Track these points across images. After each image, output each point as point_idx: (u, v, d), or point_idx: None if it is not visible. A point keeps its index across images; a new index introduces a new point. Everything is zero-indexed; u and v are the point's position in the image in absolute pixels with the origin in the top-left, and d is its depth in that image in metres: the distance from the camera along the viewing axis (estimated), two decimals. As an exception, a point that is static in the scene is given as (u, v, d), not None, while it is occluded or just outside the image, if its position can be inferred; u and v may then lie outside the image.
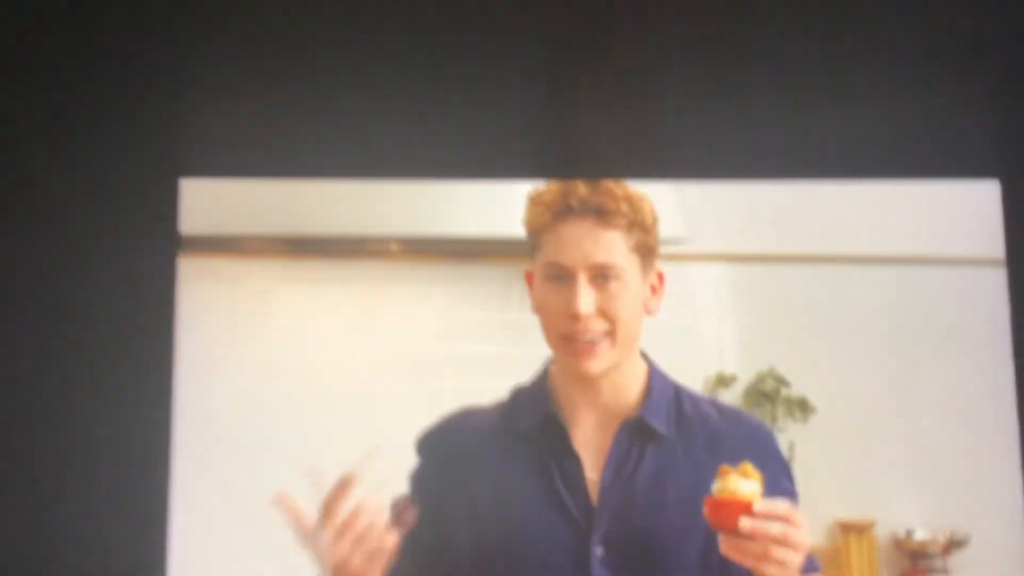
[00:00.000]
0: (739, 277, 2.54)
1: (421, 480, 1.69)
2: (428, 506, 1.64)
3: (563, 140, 1.86)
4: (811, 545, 1.64)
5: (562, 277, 1.62)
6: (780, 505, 1.51)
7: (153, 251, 1.87)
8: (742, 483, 1.52)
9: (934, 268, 2.47)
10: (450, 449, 1.68)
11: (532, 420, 1.66)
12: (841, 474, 2.46)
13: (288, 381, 2.29)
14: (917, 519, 2.50)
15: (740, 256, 2.54)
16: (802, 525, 1.51)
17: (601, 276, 1.60)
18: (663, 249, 1.69)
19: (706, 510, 1.53)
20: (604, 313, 1.60)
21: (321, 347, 2.30)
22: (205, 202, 2.10)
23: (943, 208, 2.31)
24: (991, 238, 2.07)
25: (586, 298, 1.61)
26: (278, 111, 1.95)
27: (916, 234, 2.42)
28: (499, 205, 2.28)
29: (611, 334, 1.61)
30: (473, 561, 1.59)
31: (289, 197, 2.25)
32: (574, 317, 1.61)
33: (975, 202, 2.09)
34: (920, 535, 2.52)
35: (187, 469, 1.88)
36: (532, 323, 2.20)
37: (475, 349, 2.39)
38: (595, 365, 1.61)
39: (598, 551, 1.59)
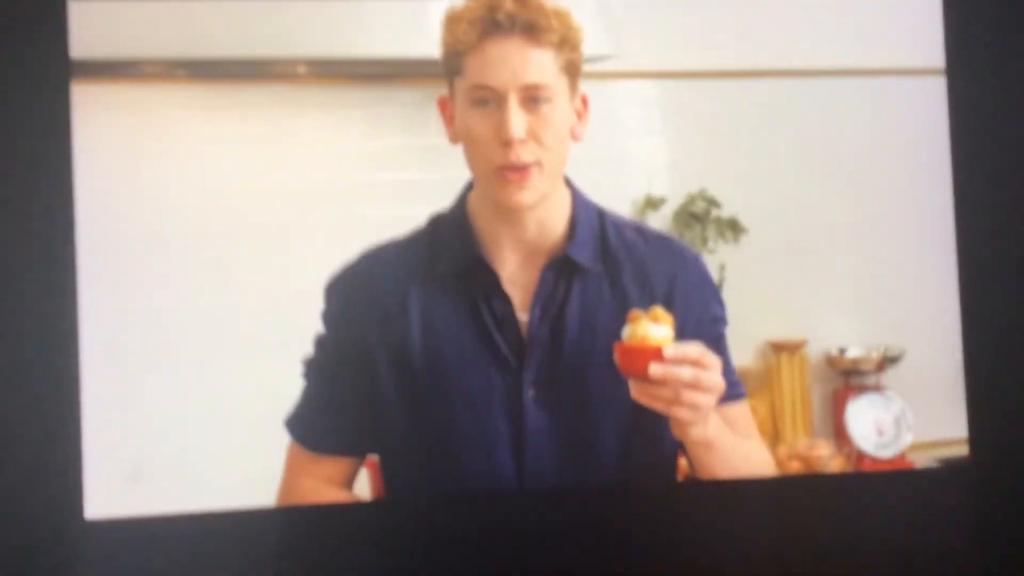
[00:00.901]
0: (667, 95, 2.56)
1: (338, 322, 1.68)
2: (348, 348, 1.65)
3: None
4: (739, 366, 1.73)
5: (488, 101, 1.58)
6: (690, 349, 1.50)
7: (43, 78, 1.83)
8: (652, 328, 1.52)
9: (871, 80, 2.51)
10: (365, 291, 1.67)
11: (457, 262, 1.65)
12: (772, 294, 2.56)
13: (194, 213, 2.30)
14: (850, 337, 2.60)
15: (668, 73, 2.54)
16: (714, 367, 1.52)
17: (532, 99, 1.57)
18: (586, 67, 1.65)
19: (616, 356, 1.54)
20: (536, 138, 1.58)
21: (228, 177, 2.31)
22: (97, 24, 2.06)
23: (881, 16, 2.32)
24: (930, 47, 2.05)
25: (518, 121, 1.58)
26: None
27: (853, 44, 2.44)
28: (412, 23, 2.29)
29: (541, 163, 1.59)
30: (401, 404, 1.62)
31: (187, 17, 2.23)
32: (505, 143, 1.57)
33: (914, 10, 2.08)
34: (853, 352, 2.62)
35: (92, 304, 1.90)
36: (452, 147, 2.15)
37: (392, 176, 2.40)
38: (526, 196, 1.59)
39: (530, 392, 1.62)
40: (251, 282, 2.31)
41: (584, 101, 1.66)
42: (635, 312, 1.55)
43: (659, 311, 1.54)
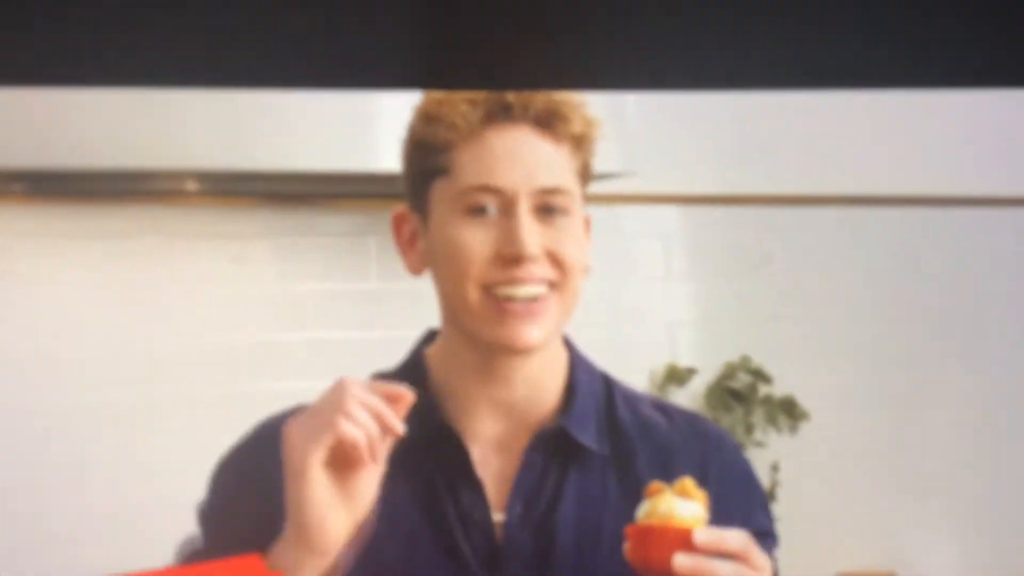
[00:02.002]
0: (694, 224, 2.45)
1: (227, 511, 1.50)
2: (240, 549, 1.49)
3: (450, 42, 1.81)
4: None
5: (485, 210, 1.48)
6: (731, 536, 1.37)
7: None
8: (679, 504, 1.42)
9: (971, 210, 2.40)
10: (270, 467, 1.44)
11: (413, 430, 1.45)
12: (844, 507, 2.36)
13: (30, 385, 2.15)
14: (955, 571, 2.40)
15: (696, 198, 2.43)
16: (765, 569, 1.37)
17: (546, 207, 1.48)
18: (592, 187, 1.56)
19: (627, 544, 1.42)
20: (553, 257, 1.48)
21: (79, 334, 2.17)
22: None
23: (985, 129, 2.30)
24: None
25: (532, 233, 1.48)
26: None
27: (926, 168, 2.39)
28: (346, 127, 2.25)
29: (559, 286, 1.48)
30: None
31: (28, 114, 2.18)
32: (514, 260, 1.48)
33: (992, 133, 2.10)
34: None
35: None
36: (399, 295, 2.24)
37: (315, 335, 2.28)
38: (536, 333, 1.48)
39: None
40: (105, 479, 2.17)
41: (587, 222, 1.53)
42: (656, 484, 1.40)
43: (689, 483, 1.38)
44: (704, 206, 2.45)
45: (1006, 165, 2.35)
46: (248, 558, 1.43)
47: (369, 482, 1.40)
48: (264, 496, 1.54)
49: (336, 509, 1.43)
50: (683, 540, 1.38)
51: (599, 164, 1.54)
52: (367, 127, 2.31)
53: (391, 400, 1.39)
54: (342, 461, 1.39)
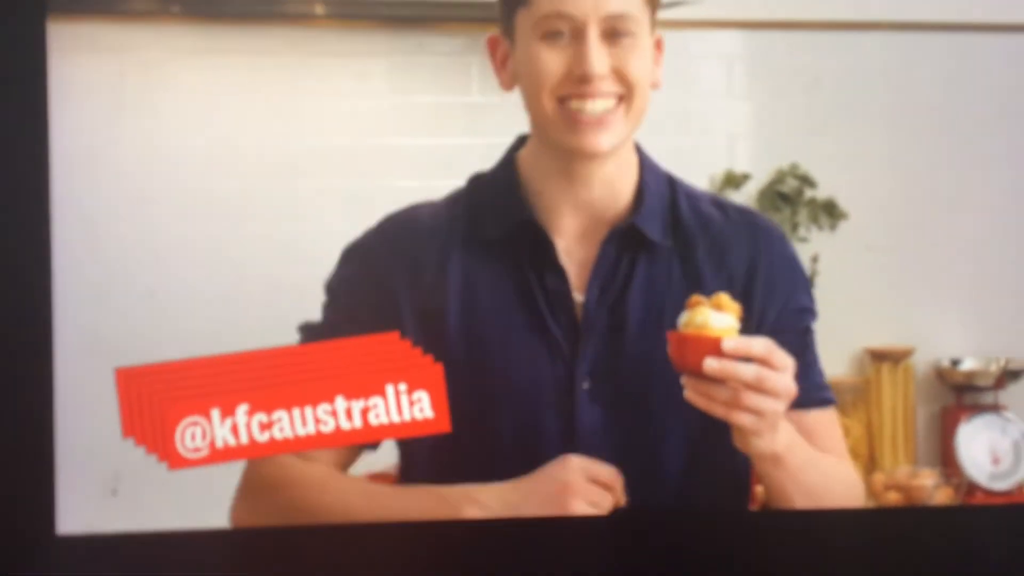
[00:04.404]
0: (754, 48, 2.51)
1: (354, 288, 1.67)
2: (365, 316, 1.64)
3: None
4: (827, 376, 1.68)
5: (560, 34, 1.59)
6: (756, 343, 1.48)
7: (13, 13, 1.85)
8: (713, 316, 1.52)
9: (1007, 36, 2.47)
10: (392, 256, 1.66)
11: (504, 226, 1.66)
12: (874, 293, 2.50)
13: (188, 179, 2.26)
14: (965, 347, 2.55)
15: (755, 23, 2.49)
16: (784, 368, 1.49)
17: (613, 31, 1.58)
18: (663, 13, 1.63)
19: (669, 347, 1.52)
20: (619, 74, 1.59)
21: (228, 137, 2.28)
22: None
23: None
24: None
25: (599, 55, 1.59)
26: None
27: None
28: None
29: (626, 99, 1.59)
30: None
31: None
32: (583, 79, 1.58)
33: None
34: (968, 365, 2.57)
35: (68, 287, 1.89)
36: (496, 108, 2.22)
37: (424, 141, 2.39)
38: (605, 140, 1.60)
39: (584, 384, 1.63)
40: (254, 262, 2.29)
41: (659, 43, 1.66)
42: (696, 297, 1.53)
43: (724, 298, 1.52)
44: (761, 31, 2.51)
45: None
46: (388, 335, 1.57)
47: None
48: (379, 283, 1.64)
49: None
50: (714, 347, 1.48)
51: (663, -10, 1.62)
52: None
53: (607, 488, 1.56)
54: None
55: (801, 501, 1.61)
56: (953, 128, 2.49)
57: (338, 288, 1.67)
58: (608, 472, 1.56)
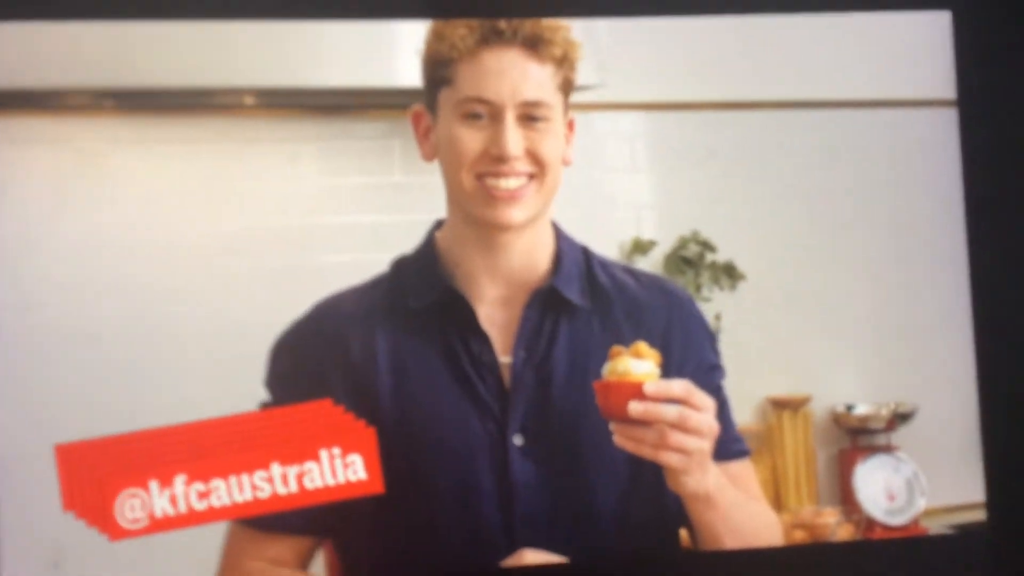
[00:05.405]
0: (656, 128, 2.59)
1: (290, 382, 1.67)
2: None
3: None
4: (737, 425, 1.76)
5: (480, 116, 1.63)
6: (675, 385, 1.51)
7: None
8: (633, 363, 1.54)
9: (876, 112, 2.55)
10: (322, 342, 1.67)
11: (426, 296, 1.68)
12: (773, 346, 2.58)
13: (125, 263, 2.26)
14: (858, 393, 2.62)
15: (657, 104, 2.58)
16: (706, 408, 1.52)
17: (529, 116, 1.63)
18: (573, 97, 1.72)
19: (597, 397, 1.55)
20: (532, 155, 1.63)
21: (164, 222, 2.28)
22: (14, 49, 2.07)
23: (885, 46, 2.35)
24: (940, 76, 2.07)
25: (514, 138, 1.63)
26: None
27: (857, 74, 2.48)
28: (373, 49, 2.30)
29: (538, 177, 1.64)
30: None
31: (116, 41, 2.23)
32: (499, 158, 1.62)
33: (922, 37, 2.10)
34: (861, 409, 2.64)
35: (5, 362, 1.93)
36: (418, 186, 2.36)
37: (351, 219, 2.41)
38: (518, 213, 1.63)
39: (516, 441, 1.66)
40: (191, 339, 2.27)
41: (571, 125, 1.72)
42: (616, 348, 1.57)
43: (642, 346, 1.56)
44: (660, 111, 2.61)
45: (904, 74, 2.46)
46: (320, 403, 1.65)
47: None
48: (310, 373, 1.68)
49: None
50: (636, 391, 1.53)
51: (578, 78, 1.71)
52: (390, 50, 2.32)
53: None
54: None
55: (730, 541, 1.64)
56: (832, 192, 2.58)
57: (275, 385, 1.71)
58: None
